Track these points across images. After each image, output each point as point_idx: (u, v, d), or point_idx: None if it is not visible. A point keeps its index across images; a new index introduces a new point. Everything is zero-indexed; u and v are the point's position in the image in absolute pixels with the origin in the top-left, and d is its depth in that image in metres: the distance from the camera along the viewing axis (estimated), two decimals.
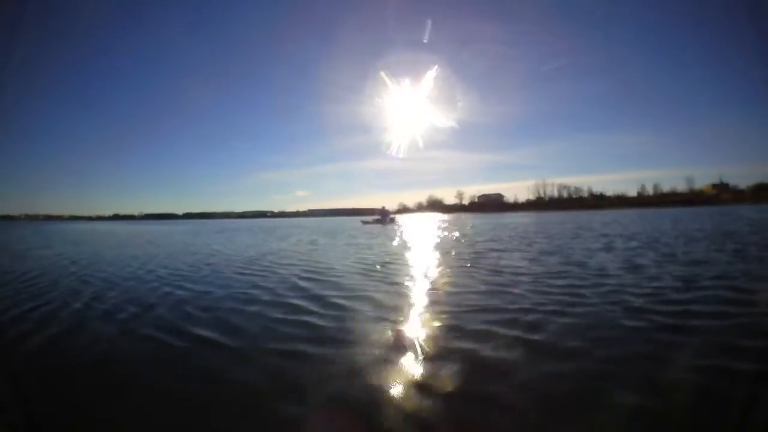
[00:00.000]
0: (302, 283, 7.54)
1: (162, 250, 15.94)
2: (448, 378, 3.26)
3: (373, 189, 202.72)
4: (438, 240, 18.15)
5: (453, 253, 12.01)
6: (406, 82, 65.41)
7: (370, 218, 51.76)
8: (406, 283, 7.37)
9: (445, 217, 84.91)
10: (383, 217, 48.45)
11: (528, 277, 7.44)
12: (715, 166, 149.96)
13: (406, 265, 9.97)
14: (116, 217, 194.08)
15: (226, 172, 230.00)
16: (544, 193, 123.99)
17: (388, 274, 8.50)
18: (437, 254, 12.08)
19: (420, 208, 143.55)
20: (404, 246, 15.36)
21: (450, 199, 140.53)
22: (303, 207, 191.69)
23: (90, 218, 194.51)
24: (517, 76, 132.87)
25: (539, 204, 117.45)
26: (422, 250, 13.41)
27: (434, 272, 8.57)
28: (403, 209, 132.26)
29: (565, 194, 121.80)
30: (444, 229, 29.66)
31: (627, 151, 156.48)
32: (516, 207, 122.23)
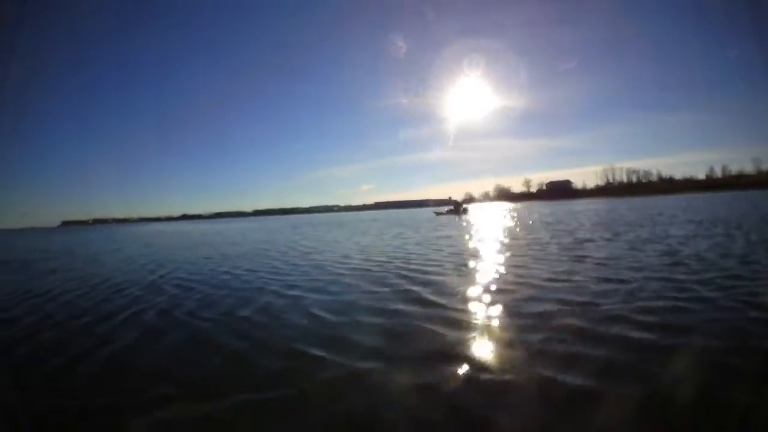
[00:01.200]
0: (414, 287, 7.12)
1: (245, 248, 17.29)
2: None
3: (437, 179, 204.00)
4: (525, 230, 18.21)
5: (551, 244, 12.26)
6: (467, 71, 65.31)
7: (443, 209, 52.64)
8: (526, 277, 7.40)
9: (514, 205, 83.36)
10: (456, 207, 49.10)
11: (644, 269, 7.81)
12: None
13: (513, 258, 10.22)
14: (185, 217, 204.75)
15: (292, 168, 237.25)
16: (613, 178, 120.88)
17: (499, 268, 8.59)
18: (535, 245, 12.31)
19: (486, 197, 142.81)
20: (495, 237, 15.77)
21: (517, 187, 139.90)
22: (369, 200, 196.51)
23: (159, 219, 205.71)
24: (578, 58, 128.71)
25: (608, 190, 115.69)
26: (517, 241, 13.69)
27: (546, 266, 8.57)
28: (470, 199, 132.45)
29: (633, 179, 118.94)
30: (521, 218, 29.65)
31: (694, 131, 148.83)
32: (585, 193, 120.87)
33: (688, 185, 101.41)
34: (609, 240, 12.26)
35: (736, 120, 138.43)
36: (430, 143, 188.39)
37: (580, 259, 9.15)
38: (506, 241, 14.07)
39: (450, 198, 53.19)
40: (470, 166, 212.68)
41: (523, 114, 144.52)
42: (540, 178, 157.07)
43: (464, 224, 26.01)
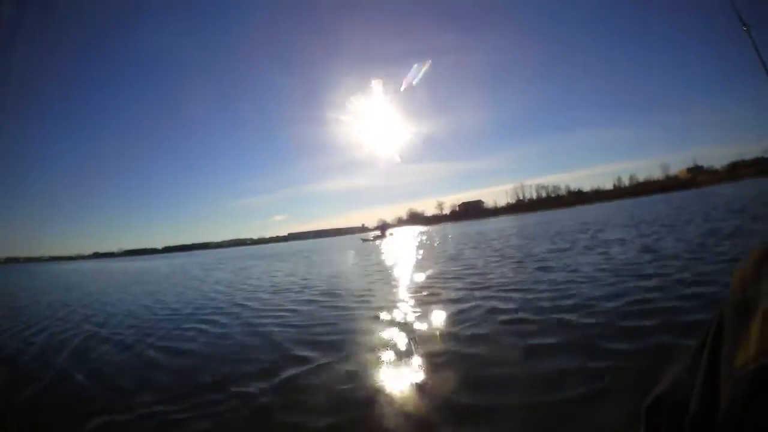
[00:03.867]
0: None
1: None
2: None
3: (347, 208, 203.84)
4: (466, 251, 18.67)
5: (513, 261, 12.54)
6: (379, 97, 66.90)
7: (370, 236, 54.29)
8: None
9: (428, 228, 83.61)
10: (382, 232, 50.63)
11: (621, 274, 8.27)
12: (688, 151, 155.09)
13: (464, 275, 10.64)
14: (96, 256, 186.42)
15: (199, 204, 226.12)
16: (523, 195, 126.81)
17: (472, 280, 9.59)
18: (489, 262, 12.92)
19: (400, 222, 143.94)
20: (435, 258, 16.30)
21: (430, 210, 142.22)
22: (282, 231, 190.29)
23: (71, 258, 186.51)
24: (487, 83, 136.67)
25: (519, 206, 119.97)
26: (469, 258, 14.00)
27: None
28: (384, 224, 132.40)
29: (543, 194, 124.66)
30: (446, 239, 30.59)
31: (600, 146, 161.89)
32: (497, 212, 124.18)
33: (597, 196, 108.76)
34: (573, 250, 12.63)
35: (645, 132, 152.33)
36: (343, 172, 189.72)
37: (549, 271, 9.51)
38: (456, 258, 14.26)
39: (363, 225, 55.76)
40: (384, 193, 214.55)
41: (439, 139, 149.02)
42: (453, 199, 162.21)
43: (403, 249, 27.08)
